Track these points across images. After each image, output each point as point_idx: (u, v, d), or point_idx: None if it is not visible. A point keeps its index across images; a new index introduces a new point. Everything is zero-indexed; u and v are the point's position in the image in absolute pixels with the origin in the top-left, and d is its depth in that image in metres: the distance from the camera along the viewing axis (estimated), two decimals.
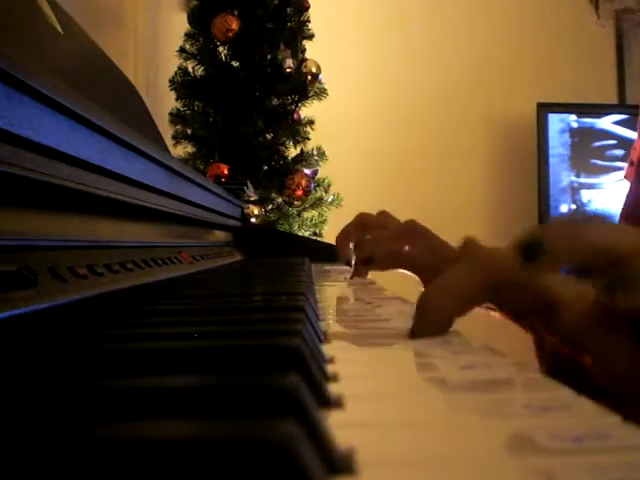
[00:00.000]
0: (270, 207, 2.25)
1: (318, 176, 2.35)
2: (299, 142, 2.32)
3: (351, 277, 0.72)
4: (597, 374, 0.31)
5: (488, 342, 0.32)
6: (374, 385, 0.23)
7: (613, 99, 3.01)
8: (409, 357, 0.29)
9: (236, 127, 2.18)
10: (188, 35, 2.27)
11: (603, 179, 2.81)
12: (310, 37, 2.35)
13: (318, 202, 2.33)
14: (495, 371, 0.25)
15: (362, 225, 0.69)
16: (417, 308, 0.34)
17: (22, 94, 0.35)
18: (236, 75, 2.21)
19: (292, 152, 2.33)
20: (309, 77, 2.25)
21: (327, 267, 0.98)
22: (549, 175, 2.78)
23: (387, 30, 2.92)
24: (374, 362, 0.28)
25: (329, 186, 2.37)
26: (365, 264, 0.64)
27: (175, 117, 2.25)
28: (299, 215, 2.30)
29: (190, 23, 2.28)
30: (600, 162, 2.82)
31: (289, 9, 2.29)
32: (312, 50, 2.37)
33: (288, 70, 2.22)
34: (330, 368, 0.25)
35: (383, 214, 0.69)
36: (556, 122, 2.80)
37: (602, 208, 2.79)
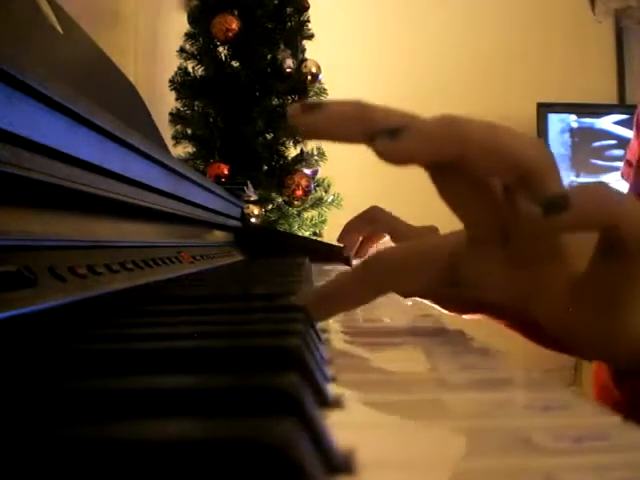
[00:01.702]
0: (270, 207, 2.25)
1: (318, 176, 2.35)
2: (299, 142, 2.32)
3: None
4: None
5: (488, 342, 0.32)
6: (373, 385, 0.23)
7: (613, 99, 3.01)
8: (409, 357, 0.29)
9: (236, 127, 2.18)
10: (188, 35, 2.27)
11: (603, 179, 2.81)
12: (310, 37, 2.35)
13: (318, 202, 2.33)
14: (495, 371, 0.25)
15: (373, 220, 0.69)
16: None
17: (22, 94, 0.35)
18: (236, 75, 2.21)
19: (292, 152, 2.33)
20: (309, 77, 2.25)
21: (327, 267, 0.98)
22: None
23: (387, 30, 2.92)
24: (374, 362, 0.28)
25: (329, 186, 2.37)
26: None
27: (175, 117, 2.26)
28: (299, 215, 2.30)
29: (190, 23, 2.28)
30: (600, 162, 2.82)
31: (289, 9, 2.29)
32: (312, 50, 2.37)
33: (288, 70, 2.22)
34: (330, 368, 0.25)
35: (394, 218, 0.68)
36: (556, 122, 2.80)
37: None
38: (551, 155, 0.28)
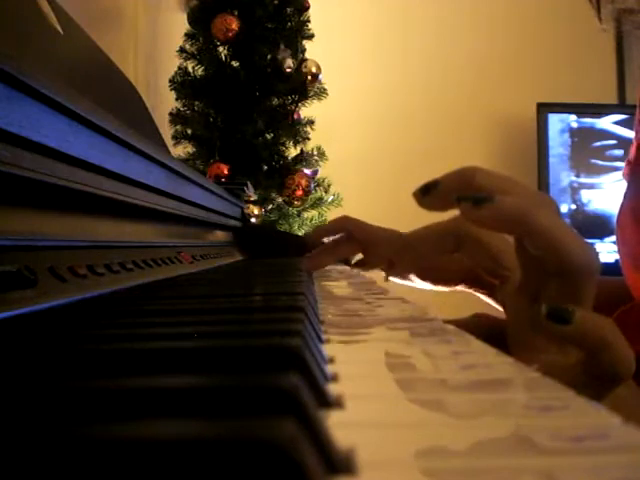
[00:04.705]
0: (270, 207, 2.25)
1: (318, 176, 2.35)
2: (299, 142, 2.32)
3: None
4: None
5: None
6: (374, 385, 0.23)
7: (613, 99, 3.01)
8: (409, 356, 0.29)
9: (236, 127, 2.18)
10: (188, 35, 2.27)
11: (603, 179, 2.81)
12: (310, 37, 2.36)
13: (318, 202, 2.33)
14: (495, 371, 0.25)
15: (344, 230, 0.66)
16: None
17: (22, 94, 0.35)
18: (236, 75, 2.21)
19: (292, 152, 2.33)
20: (309, 77, 2.25)
21: (327, 267, 0.98)
22: (549, 175, 2.78)
23: (387, 30, 2.92)
24: (374, 362, 0.28)
25: (329, 186, 2.38)
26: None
27: (175, 117, 2.26)
28: (299, 215, 2.30)
29: (190, 23, 2.28)
30: (600, 162, 2.82)
31: (289, 9, 2.29)
32: (312, 50, 2.37)
33: (288, 70, 2.22)
34: (330, 368, 0.25)
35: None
36: (556, 122, 2.81)
37: (602, 208, 2.79)
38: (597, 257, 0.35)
